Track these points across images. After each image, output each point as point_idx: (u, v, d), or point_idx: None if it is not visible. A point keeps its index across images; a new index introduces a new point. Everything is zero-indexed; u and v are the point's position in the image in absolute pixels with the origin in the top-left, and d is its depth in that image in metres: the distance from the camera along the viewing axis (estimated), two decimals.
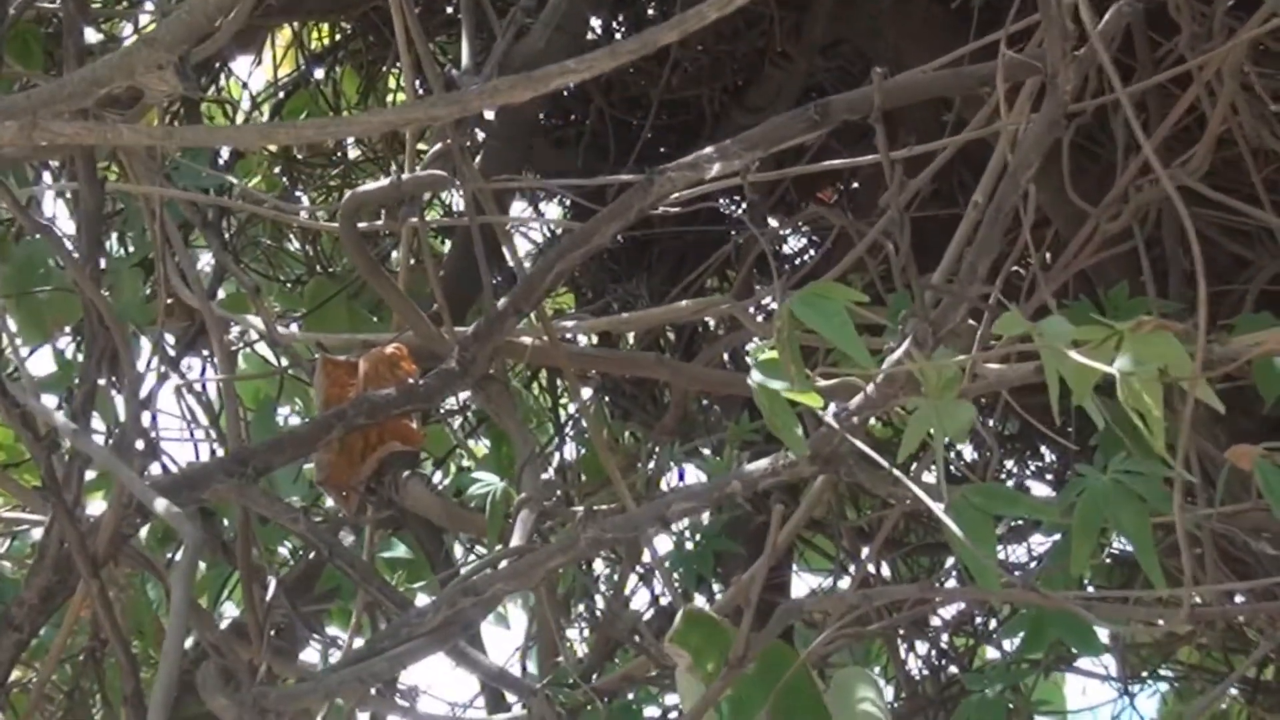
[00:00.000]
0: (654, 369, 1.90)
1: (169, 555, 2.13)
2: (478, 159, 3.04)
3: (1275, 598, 1.50)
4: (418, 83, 1.94)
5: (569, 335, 2.27)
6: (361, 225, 1.68)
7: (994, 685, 2.00)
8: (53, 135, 0.79)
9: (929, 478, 2.01)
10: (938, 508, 1.29)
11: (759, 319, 1.86)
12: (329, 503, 2.05)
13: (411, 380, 1.62)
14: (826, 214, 2.50)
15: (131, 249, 2.55)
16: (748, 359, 1.37)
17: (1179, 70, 1.91)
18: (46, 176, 2.57)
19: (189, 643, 2.85)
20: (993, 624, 3.31)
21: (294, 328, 3.08)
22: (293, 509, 1.54)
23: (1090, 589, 2.78)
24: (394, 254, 3.01)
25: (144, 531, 2.10)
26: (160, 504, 1.25)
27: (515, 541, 1.54)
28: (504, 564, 1.48)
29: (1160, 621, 1.23)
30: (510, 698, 2.72)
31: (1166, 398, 1.96)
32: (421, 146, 2.20)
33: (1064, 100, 1.26)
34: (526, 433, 1.66)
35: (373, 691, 1.61)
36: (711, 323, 3.60)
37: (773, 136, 1.56)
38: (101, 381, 1.86)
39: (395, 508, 1.64)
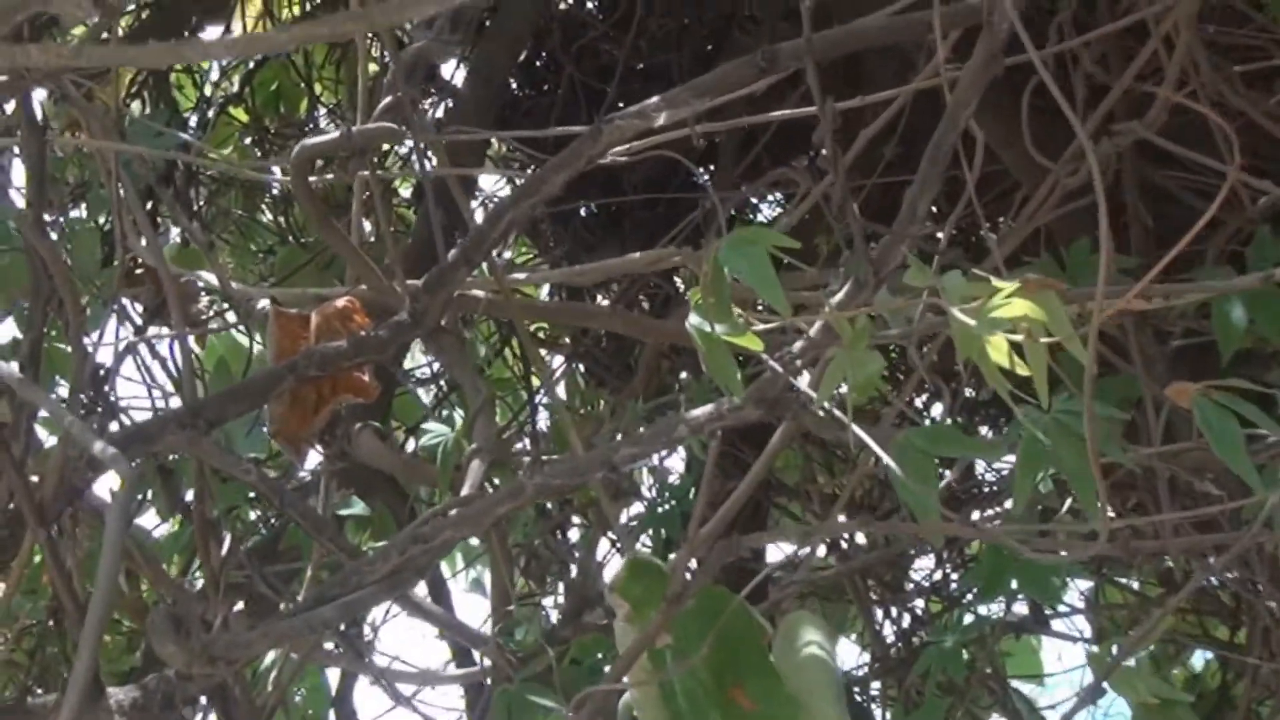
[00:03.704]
0: (606, 321, 1.91)
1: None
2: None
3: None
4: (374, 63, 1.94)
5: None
6: (311, 179, 1.68)
7: (955, 637, 2.02)
8: None
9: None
10: (879, 449, 1.29)
11: None
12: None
13: (363, 332, 1.62)
14: (793, 174, 2.50)
15: (88, 211, 2.54)
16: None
17: (1134, 18, 1.92)
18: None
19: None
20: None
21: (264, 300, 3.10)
22: (244, 461, 1.54)
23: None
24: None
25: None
26: (97, 446, 1.26)
27: (466, 490, 1.54)
28: (453, 511, 1.48)
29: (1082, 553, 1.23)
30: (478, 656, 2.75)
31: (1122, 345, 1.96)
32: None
33: (1000, 37, 1.26)
34: (478, 382, 1.66)
35: (330, 646, 1.62)
36: (683, 287, 3.62)
37: (721, 84, 1.57)
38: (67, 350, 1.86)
39: (348, 460, 1.65)
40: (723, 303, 1.22)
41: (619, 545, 2.43)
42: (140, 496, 2.07)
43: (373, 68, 3.57)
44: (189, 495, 2.23)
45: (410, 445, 3.11)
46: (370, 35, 2.16)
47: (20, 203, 2.62)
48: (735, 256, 1.20)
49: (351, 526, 2.27)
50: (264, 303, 3.16)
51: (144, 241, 1.88)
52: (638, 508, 2.78)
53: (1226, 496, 1.45)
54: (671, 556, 2.95)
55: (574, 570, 3.13)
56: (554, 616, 3.18)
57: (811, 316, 1.35)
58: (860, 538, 3.34)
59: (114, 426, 1.89)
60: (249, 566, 1.81)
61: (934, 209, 2.68)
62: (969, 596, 3.27)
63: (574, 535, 3.35)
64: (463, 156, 2.81)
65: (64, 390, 2.41)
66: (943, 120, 1.30)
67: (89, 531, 1.84)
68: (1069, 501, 1.81)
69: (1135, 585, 3.37)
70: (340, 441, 1.65)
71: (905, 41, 1.67)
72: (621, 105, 3.38)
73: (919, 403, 3.30)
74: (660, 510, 2.41)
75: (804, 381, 1.38)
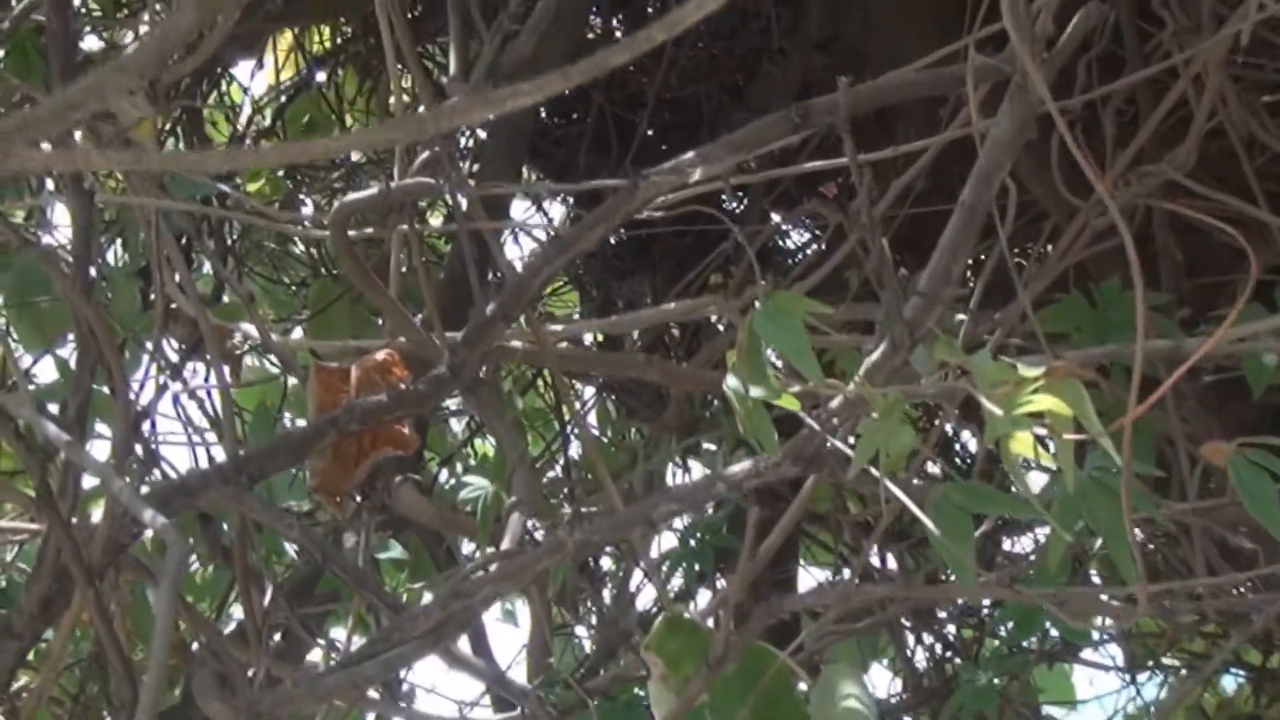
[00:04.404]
0: (643, 370, 1.92)
1: None
2: (473, 165, 3.08)
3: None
4: (406, 95, 1.96)
5: (575, 337, 2.30)
6: (351, 233, 1.70)
7: (987, 674, 2.04)
8: (24, 162, 0.81)
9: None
10: (915, 507, 1.31)
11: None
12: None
13: (403, 386, 1.64)
14: (822, 209, 2.52)
15: (128, 258, 2.57)
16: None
17: (1164, 66, 1.93)
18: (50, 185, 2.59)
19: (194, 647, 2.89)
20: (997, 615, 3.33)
21: (297, 332, 3.12)
22: (287, 515, 1.56)
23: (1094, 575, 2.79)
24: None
25: (148, 534, 2.13)
26: (148, 514, 1.27)
27: (505, 544, 1.56)
28: (494, 566, 1.50)
29: (1119, 618, 1.24)
30: None
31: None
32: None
33: (1034, 103, 1.27)
34: (516, 436, 1.68)
35: (371, 693, 1.63)
36: (714, 318, 3.64)
37: (756, 140, 1.58)
38: (105, 390, 1.88)
39: (388, 512, 1.67)
40: (758, 369, 1.24)
41: (650, 577, 2.44)
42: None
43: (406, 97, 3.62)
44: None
45: (444, 475, 3.14)
46: (400, 69, 2.18)
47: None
48: (770, 327, 1.21)
49: (387, 566, 2.29)
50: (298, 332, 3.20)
51: (181, 287, 1.89)
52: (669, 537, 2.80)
53: (1261, 552, 1.46)
54: (703, 592, 2.97)
55: (607, 599, 3.15)
56: (587, 646, 3.21)
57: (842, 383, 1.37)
58: (891, 563, 3.35)
59: (154, 474, 1.92)
60: (287, 610, 1.83)
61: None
62: (1002, 630, 3.29)
63: (606, 563, 3.37)
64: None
65: (101, 428, 2.44)
66: (972, 185, 1.32)
67: (131, 578, 1.87)
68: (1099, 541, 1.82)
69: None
70: (380, 494, 1.67)
71: (938, 94, 1.68)
72: (650, 133, 3.41)
73: (948, 428, 3.31)
74: (692, 544, 2.42)
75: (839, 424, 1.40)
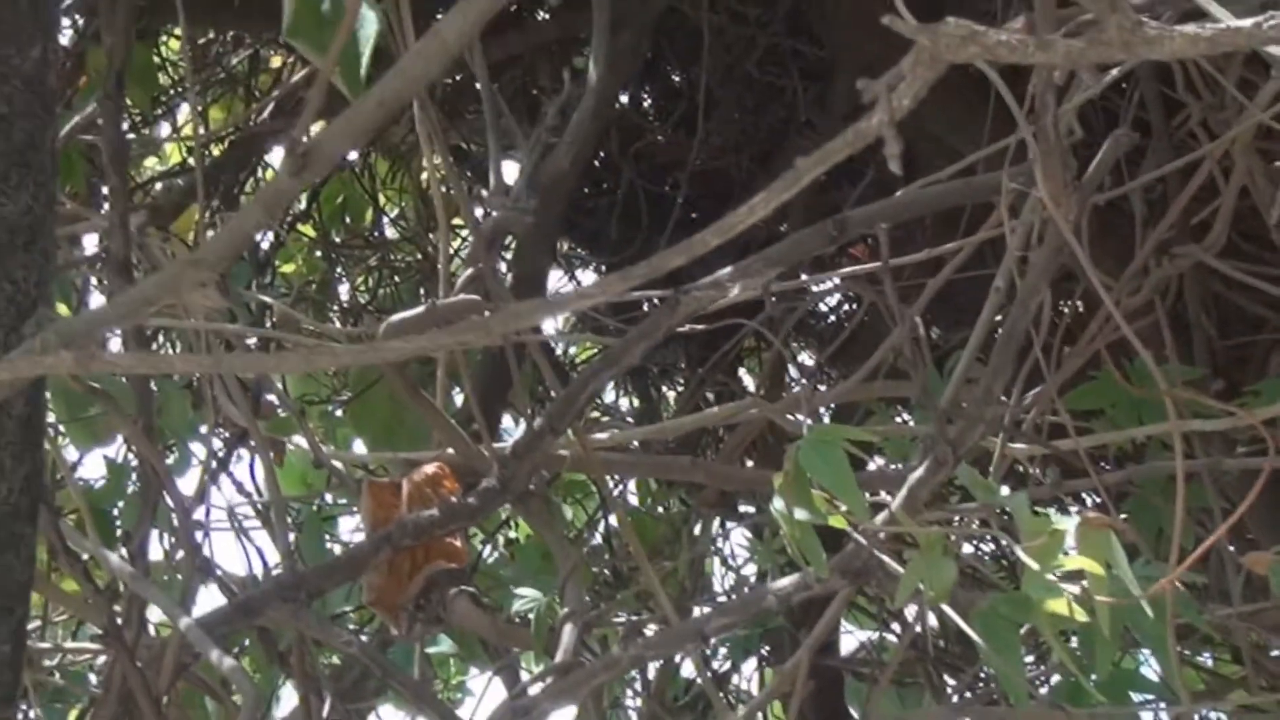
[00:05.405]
0: (688, 472, 1.96)
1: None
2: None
3: None
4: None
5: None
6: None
7: None
8: (108, 366, 0.85)
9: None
10: (961, 620, 1.33)
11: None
12: None
13: (454, 499, 1.68)
14: (854, 288, 2.55)
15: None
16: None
17: (1190, 159, 1.95)
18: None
19: None
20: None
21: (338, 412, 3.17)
22: (346, 633, 1.60)
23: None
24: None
25: None
26: (215, 655, 1.31)
27: (559, 656, 1.59)
28: (549, 680, 1.53)
29: None
30: None
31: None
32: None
33: (1066, 228, 1.30)
34: (567, 546, 1.72)
35: None
36: (751, 385, 3.68)
37: (793, 253, 1.62)
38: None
39: (443, 624, 1.70)
40: (804, 494, 1.27)
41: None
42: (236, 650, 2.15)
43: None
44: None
45: (486, 550, 3.16)
46: (432, 146, 2.22)
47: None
48: (814, 460, 1.24)
49: (435, 658, 2.32)
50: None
51: (231, 397, 1.93)
52: None
53: None
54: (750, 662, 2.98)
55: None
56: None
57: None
58: (933, 621, 3.37)
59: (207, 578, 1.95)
60: (342, 713, 1.87)
61: None
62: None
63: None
64: (528, 262, 2.87)
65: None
66: (1012, 309, 1.35)
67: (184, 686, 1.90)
68: None
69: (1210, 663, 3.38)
70: (435, 607, 1.70)
71: (972, 201, 1.72)
72: (680, 202, 3.45)
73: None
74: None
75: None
